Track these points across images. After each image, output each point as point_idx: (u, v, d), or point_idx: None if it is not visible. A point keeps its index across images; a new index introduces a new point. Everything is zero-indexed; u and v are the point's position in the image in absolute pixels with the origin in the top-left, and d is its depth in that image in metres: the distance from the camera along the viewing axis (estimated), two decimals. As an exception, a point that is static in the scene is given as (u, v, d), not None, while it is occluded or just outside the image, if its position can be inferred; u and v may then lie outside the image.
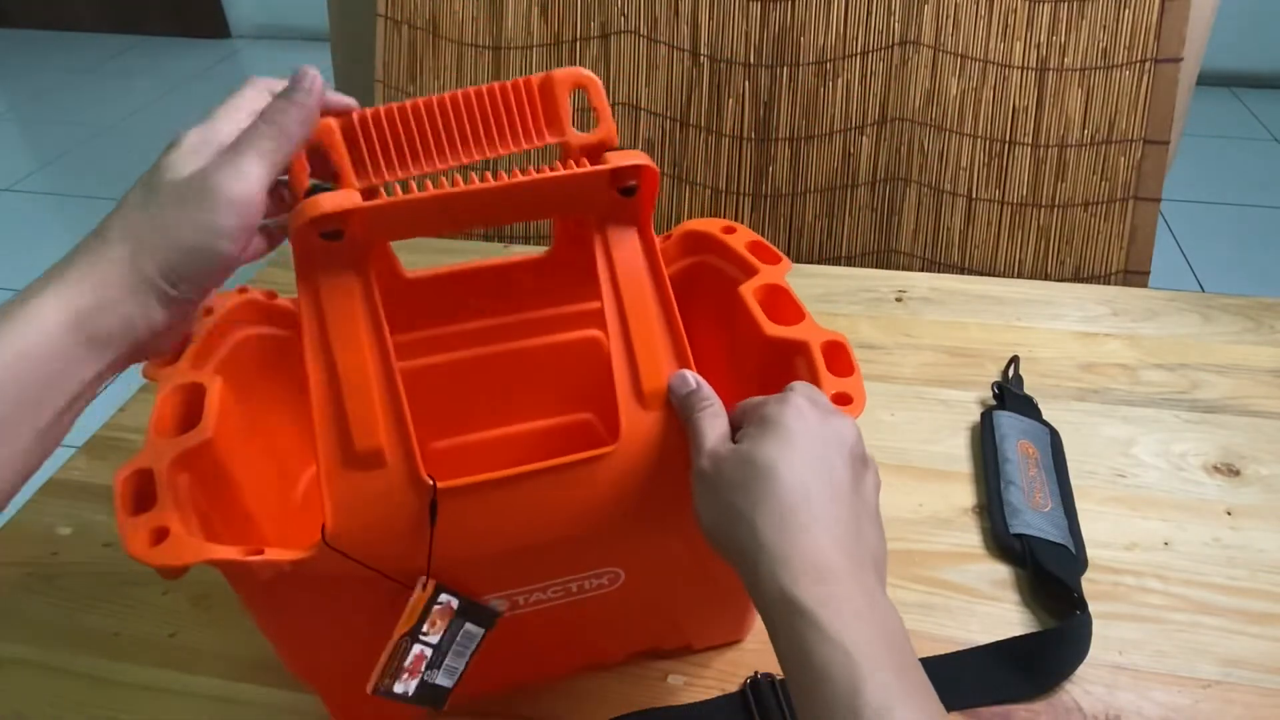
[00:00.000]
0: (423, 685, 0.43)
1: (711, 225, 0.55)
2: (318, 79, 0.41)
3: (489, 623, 0.44)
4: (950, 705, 0.50)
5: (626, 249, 0.43)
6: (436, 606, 0.41)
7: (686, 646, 0.54)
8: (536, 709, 0.52)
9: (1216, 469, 0.66)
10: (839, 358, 0.45)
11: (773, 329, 0.48)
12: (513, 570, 0.43)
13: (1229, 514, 0.62)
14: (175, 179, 0.38)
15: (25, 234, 2.12)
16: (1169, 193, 0.96)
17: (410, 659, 0.42)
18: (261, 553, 0.37)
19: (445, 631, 0.42)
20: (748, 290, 0.50)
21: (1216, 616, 0.56)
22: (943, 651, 0.53)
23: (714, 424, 0.39)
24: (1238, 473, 0.65)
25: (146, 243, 0.37)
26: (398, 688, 0.42)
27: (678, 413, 0.41)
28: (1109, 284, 0.97)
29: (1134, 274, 0.97)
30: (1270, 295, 0.82)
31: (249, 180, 0.38)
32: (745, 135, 0.99)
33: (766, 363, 0.48)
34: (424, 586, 0.40)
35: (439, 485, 0.38)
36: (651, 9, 0.97)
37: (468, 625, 0.43)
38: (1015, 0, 0.92)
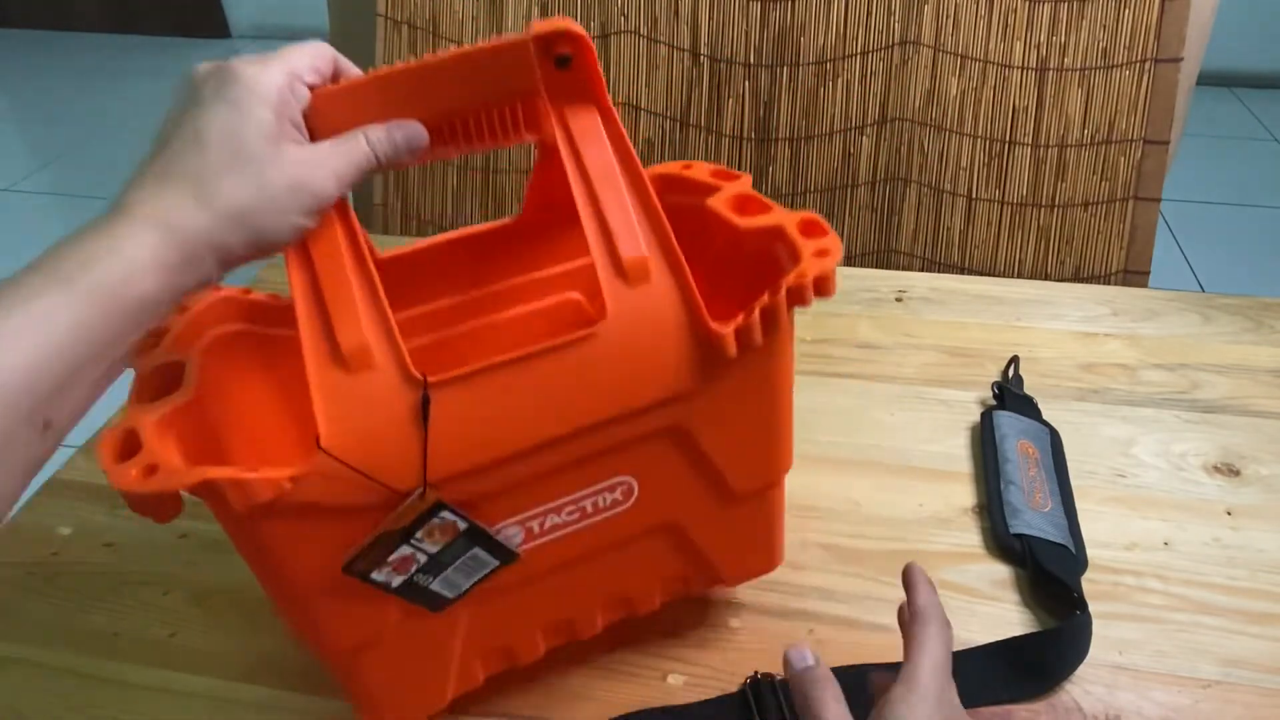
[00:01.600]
0: (412, 585, 0.42)
1: (669, 167, 0.55)
2: (425, 139, 0.43)
3: (505, 557, 0.43)
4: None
5: (584, 122, 0.43)
6: (436, 521, 0.40)
7: (719, 581, 0.53)
8: (535, 709, 0.52)
9: (1216, 469, 0.66)
10: (813, 227, 0.45)
11: (747, 222, 0.48)
12: (519, 487, 0.42)
13: (1229, 514, 0.62)
14: (269, 171, 0.38)
15: (25, 234, 2.12)
16: (1169, 193, 0.95)
17: (396, 556, 0.41)
18: (257, 471, 0.36)
19: (447, 546, 0.41)
20: (716, 201, 0.50)
21: (1216, 616, 0.56)
22: (943, 651, 0.53)
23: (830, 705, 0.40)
24: (1238, 473, 0.65)
25: (238, 220, 0.37)
26: (376, 575, 0.41)
27: (792, 686, 0.41)
28: (1109, 284, 0.97)
29: (1134, 274, 0.97)
30: (1270, 295, 0.82)
31: (343, 185, 0.40)
32: (745, 135, 0.99)
33: (749, 263, 0.48)
34: (420, 496, 0.39)
35: (430, 380, 0.38)
36: (651, 9, 0.97)
37: (478, 551, 0.42)
38: (1015, 0, 0.92)
